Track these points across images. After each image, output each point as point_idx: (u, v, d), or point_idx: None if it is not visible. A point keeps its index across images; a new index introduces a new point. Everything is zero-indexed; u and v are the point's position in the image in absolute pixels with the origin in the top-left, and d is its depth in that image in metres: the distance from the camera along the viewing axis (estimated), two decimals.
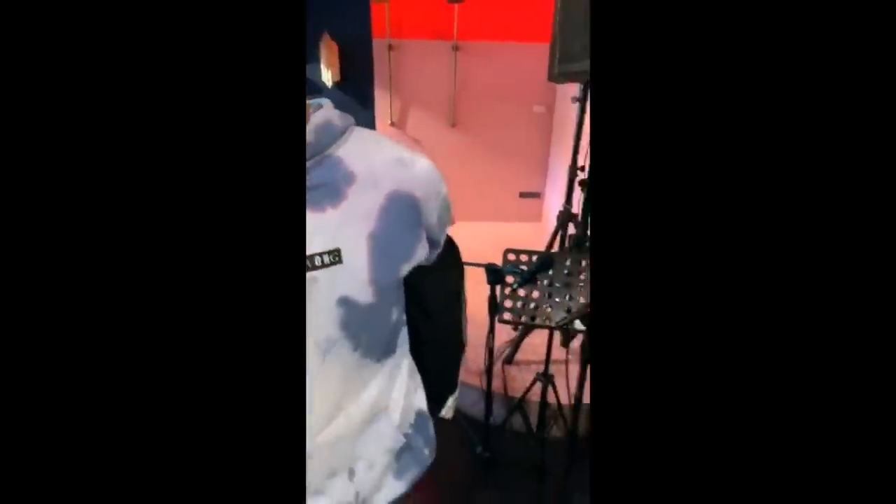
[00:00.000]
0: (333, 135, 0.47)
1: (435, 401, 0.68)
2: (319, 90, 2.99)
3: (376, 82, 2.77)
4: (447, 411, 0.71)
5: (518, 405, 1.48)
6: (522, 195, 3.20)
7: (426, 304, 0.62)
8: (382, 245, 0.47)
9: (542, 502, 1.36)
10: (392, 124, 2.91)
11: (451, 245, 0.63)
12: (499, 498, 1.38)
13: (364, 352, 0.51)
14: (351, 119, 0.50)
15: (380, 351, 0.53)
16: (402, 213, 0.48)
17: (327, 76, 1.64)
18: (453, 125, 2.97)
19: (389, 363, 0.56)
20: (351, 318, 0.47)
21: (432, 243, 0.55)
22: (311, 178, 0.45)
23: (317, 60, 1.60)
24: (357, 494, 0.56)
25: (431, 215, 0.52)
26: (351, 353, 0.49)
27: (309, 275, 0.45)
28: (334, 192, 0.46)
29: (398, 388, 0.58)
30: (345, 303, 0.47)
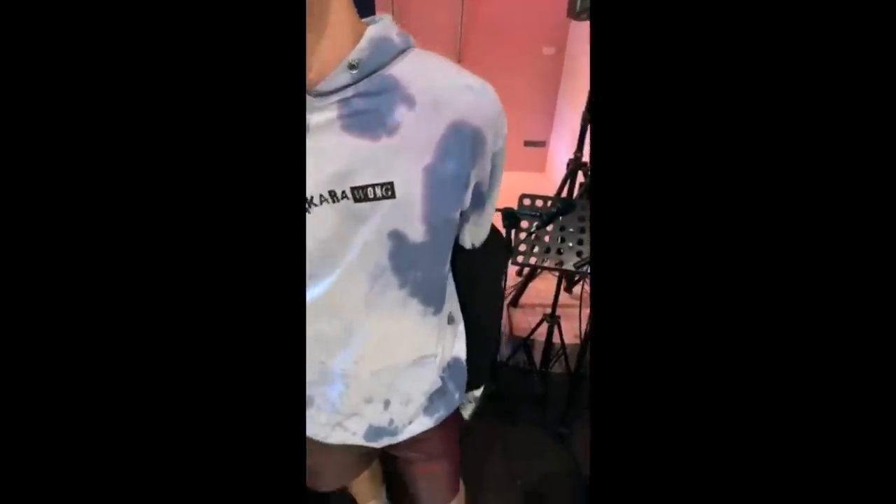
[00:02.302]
0: (390, 52, 0.42)
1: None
2: None
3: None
4: (467, 409, 0.71)
5: (523, 343, 1.56)
6: (527, 144, 3.15)
7: (465, 294, 0.61)
8: (437, 181, 0.44)
9: (542, 429, 1.48)
10: None
11: (495, 231, 0.61)
12: (500, 426, 1.49)
13: (411, 291, 0.50)
14: (411, 39, 0.45)
15: (427, 297, 0.52)
16: (461, 147, 0.44)
17: None
18: None
19: (438, 317, 0.56)
20: (400, 253, 0.46)
21: (477, 197, 0.49)
22: (364, 102, 0.41)
23: None
24: (391, 421, 0.59)
25: (487, 159, 0.47)
26: (398, 289, 0.49)
27: (360, 206, 0.43)
28: (390, 118, 0.42)
29: (444, 340, 0.59)
30: (395, 236, 0.45)
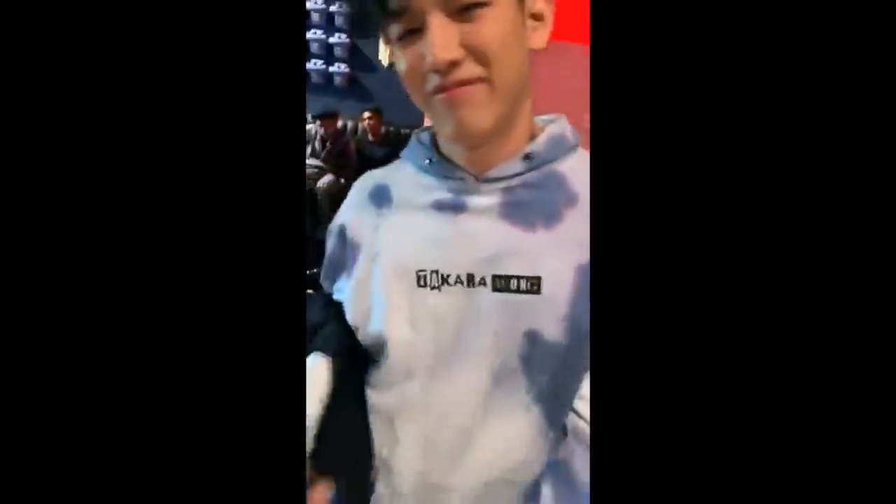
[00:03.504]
0: (563, 148, 0.44)
1: None
2: (374, 68, 2.85)
3: None
4: None
5: None
6: None
7: None
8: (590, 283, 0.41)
9: None
10: None
11: None
12: None
13: (536, 397, 0.43)
14: (579, 138, 0.47)
15: (551, 414, 0.44)
16: None
17: (384, 55, 1.56)
18: None
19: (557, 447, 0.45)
20: (533, 354, 0.41)
21: None
22: (529, 192, 0.42)
23: (376, 37, 1.51)
24: None
25: None
26: (524, 394, 0.42)
27: (496, 295, 0.40)
28: (551, 212, 0.41)
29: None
30: (531, 335, 0.41)
